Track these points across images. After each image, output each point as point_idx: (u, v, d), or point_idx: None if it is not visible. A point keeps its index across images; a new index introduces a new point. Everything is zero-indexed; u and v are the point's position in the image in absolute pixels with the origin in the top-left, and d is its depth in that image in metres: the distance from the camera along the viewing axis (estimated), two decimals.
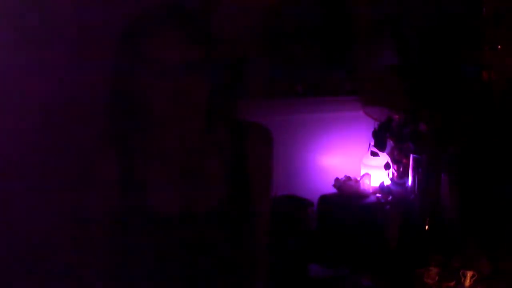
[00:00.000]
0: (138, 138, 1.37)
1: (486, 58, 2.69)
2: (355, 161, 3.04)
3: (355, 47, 3.04)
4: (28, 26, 2.03)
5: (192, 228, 1.37)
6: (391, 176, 2.93)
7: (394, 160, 2.94)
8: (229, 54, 2.54)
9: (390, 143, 2.95)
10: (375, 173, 2.93)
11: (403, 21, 2.89)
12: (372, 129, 2.94)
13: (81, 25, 2.10)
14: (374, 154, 2.93)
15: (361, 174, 2.92)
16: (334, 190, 2.89)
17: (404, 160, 2.89)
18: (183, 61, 1.28)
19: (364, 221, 2.72)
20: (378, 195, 2.88)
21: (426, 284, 2.34)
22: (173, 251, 1.37)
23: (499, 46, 2.68)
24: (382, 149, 2.92)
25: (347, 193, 2.84)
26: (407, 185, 2.83)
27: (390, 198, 2.84)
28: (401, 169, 2.91)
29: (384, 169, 2.92)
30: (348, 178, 2.90)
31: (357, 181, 2.87)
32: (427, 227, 2.68)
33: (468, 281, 2.31)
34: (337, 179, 2.89)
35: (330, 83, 3.00)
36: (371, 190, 2.89)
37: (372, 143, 2.93)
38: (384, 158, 2.95)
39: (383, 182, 2.91)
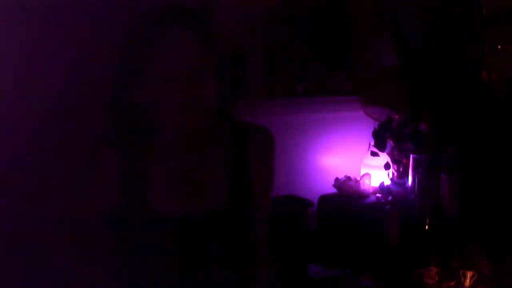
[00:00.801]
0: (139, 138, 1.37)
1: (486, 58, 2.70)
2: (355, 161, 3.04)
3: (355, 48, 3.04)
4: (30, 25, 2.03)
5: (193, 228, 1.37)
6: (391, 176, 2.94)
7: (394, 160, 2.94)
8: (229, 54, 2.53)
9: (390, 143, 2.95)
10: (375, 173, 2.93)
11: (403, 21, 2.89)
12: (372, 129, 2.94)
13: (83, 24, 2.10)
14: (374, 154, 2.93)
15: (361, 174, 2.92)
16: (334, 190, 2.89)
17: (404, 160, 2.89)
18: (188, 62, 1.28)
19: (364, 221, 2.72)
20: (378, 195, 2.89)
21: (426, 284, 2.34)
22: (174, 251, 1.37)
23: (499, 46, 2.68)
24: (382, 149, 2.92)
25: (347, 193, 2.84)
26: (407, 185, 2.83)
27: (390, 198, 2.84)
28: (401, 169, 2.92)
29: (384, 169, 2.93)
30: (348, 178, 2.90)
31: (357, 181, 2.87)
32: (427, 227, 2.68)
33: (468, 281, 2.31)
34: (337, 179, 2.89)
35: (330, 83, 3.01)
36: (371, 190, 2.88)
37: (372, 143, 2.93)
38: (384, 158, 2.95)
39: (383, 182, 2.91)
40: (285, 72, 2.88)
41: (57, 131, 2.09)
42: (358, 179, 2.88)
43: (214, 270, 1.39)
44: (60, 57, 2.08)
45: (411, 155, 2.80)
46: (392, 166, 2.93)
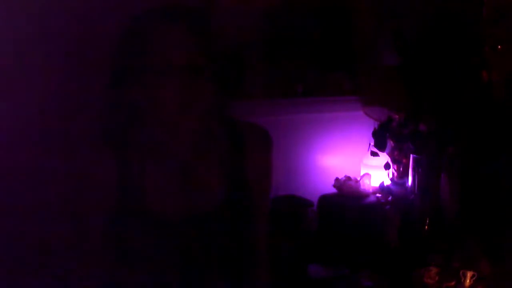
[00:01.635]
0: (137, 138, 1.37)
1: (486, 58, 2.69)
2: (355, 161, 3.04)
3: (355, 47, 3.04)
4: (28, 25, 2.02)
5: (192, 229, 1.37)
6: (391, 176, 2.94)
7: (394, 160, 2.94)
8: (229, 54, 2.53)
9: (390, 143, 2.95)
10: (375, 173, 2.93)
11: (403, 21, 2.89)
12: (372, 129, 2.94)
13: (82, 24, 2.10)
14: (374, 154, 2.93)
15: (361, 174, 2.92)
16: (334, 190, 2.89)
17: (404, 160, 2.89)
18: (186, 62, 1.28)
19: (364, 221, 2.72)
20: (378, 195, 2.89)
21: (426, 284, 2.34)
22: (173, 252, 1.37)
23: (499, 46, 2.68)
24: (382, 149, 2.92)
25: (347, 193, 2.84)
26: (407, 185, 2.83)
27: (390, 198, 2.84)
28: (401, 169, 2.92)
29: (384, 169, 2.93)
30: (348, 178, 2.90)
31: (357, 181, 2.87)
32: (427, 227, 2.68)
33: (468, 281, 2.31)
34: (337, 179, 2.89)
35: (330, 83, 3.00)
36: (371, 190, 2.88)
37: (372, 143, 2.93)
38: (384, 158, 2.95)
39: (383, 182, 2.91)
40: (284, 72, 2.87)
41: (55, 131, 2.08)
42: (358, 179, 2.88)
43: (213, 270, 1.39)
44: (59, 57, 2.08)
45: (411, 155, 2.80)
46: (392, 166, 2.94)
